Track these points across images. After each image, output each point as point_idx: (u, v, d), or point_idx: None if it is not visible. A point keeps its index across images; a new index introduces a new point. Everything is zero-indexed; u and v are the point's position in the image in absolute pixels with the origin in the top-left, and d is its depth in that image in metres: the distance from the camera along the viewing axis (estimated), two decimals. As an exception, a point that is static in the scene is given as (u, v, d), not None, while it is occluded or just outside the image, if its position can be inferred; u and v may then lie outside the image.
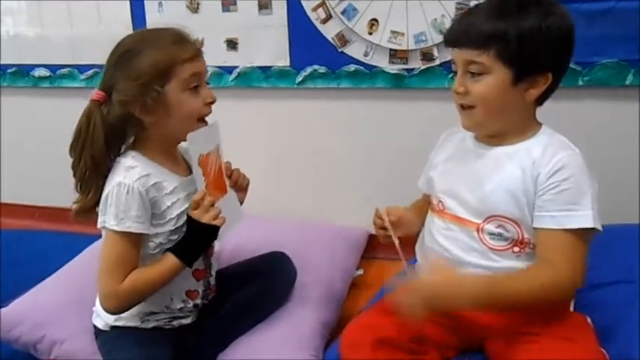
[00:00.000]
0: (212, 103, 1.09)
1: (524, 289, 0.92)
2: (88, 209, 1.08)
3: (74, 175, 1.08)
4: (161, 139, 1.10)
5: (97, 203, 1.07)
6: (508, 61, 0.93)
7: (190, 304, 1.17)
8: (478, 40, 0.94)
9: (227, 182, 1.19)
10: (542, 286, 0.92)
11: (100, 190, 1.07)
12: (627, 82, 1.43)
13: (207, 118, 1.12)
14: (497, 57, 0.93)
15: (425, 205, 1.15)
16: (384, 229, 1.07)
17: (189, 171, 1.13)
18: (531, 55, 0.93)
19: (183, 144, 1.12)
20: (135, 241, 1.05)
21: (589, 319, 1.02)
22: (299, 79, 1.70)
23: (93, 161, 1.05)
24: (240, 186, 1.24)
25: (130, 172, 1.05)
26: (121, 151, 1.11)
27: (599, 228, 0.93)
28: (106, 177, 1.07)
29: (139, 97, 1.02)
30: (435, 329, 1.03)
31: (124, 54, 1.05)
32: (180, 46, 1.05)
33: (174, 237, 1.10)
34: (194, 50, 1.07)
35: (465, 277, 0.96)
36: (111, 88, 1.05)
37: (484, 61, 0.94)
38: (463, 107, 1.00)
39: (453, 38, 0.99)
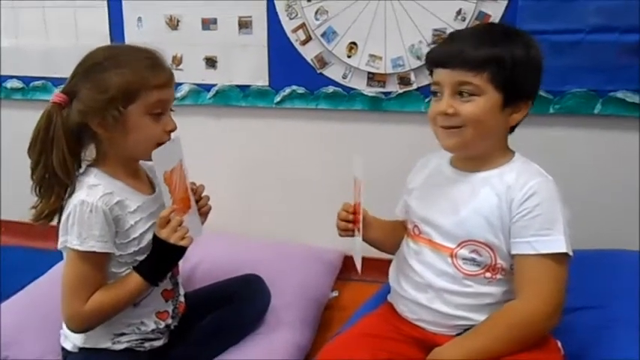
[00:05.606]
0: (172, 131, 1.08)
1: (504, 333, 0.94)
2: (47, 215, 1.04)
3: (32, 177, 1.04)
4: (119, 156, 1.07)
5: (57, 210, 1.03)
6: (500, 85, 0.96)
7: (162, 324, 1.15)
8: (473, 62, 0.96)
9: (191, 197, 1.16)
10: (520, 323, 0.94)
11: (62, 196, 1.03)
12: (595, 111, 1.48)
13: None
14: (491, 80, 0.96)
15: (395, 223, 1.16)
16: (348, 221, 1.10)
17: (153, 189, 1.11)
18: (520, 81, 0.97)
19: (147, 162, 1.09)
20: (98, 260, 1.03)
21: (559, 343, 1.03)
22: (277, 98, 1.71)
23: (54, 165, 1.01)
24: (200, 211, 1.19)
25: (93, 190, 1.02)
26: (81, 162, 1.07)
27: (571, 254, 0.95)
28: (66, 184, 1.03)
29: (100, 111, 1.01)
30: (407, 353, 1.03)
31: (95, 65, 1.03)
32: (153, 72, 1.03)
33: (140, 257, 1.07)
34: (166, 78, 1.05)
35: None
36: (74, 94, 1.03)
37: (478, 82, 0.96)
38: (445, 127, 1.00)
39: (444, 59, 1.00)
